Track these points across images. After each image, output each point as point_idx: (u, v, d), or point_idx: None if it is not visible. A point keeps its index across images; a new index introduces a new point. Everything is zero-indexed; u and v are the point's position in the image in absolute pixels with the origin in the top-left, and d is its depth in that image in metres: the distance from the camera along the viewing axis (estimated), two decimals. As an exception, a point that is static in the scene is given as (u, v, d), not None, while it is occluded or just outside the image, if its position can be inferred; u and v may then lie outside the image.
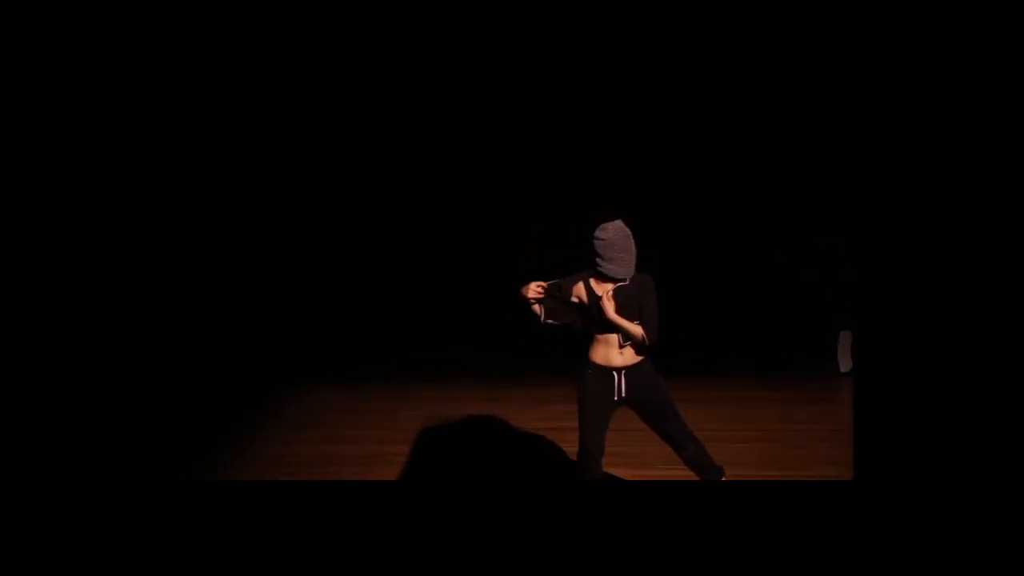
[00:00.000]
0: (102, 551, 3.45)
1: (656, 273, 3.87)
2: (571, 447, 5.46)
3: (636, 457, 5.29)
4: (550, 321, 3.97)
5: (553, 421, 6.04)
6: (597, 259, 3.79)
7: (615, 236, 3.75)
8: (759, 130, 8.67)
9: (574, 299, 3.92)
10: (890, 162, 3.58)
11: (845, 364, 8.00)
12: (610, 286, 3.84)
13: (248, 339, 8.19)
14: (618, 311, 3.80)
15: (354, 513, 3.48)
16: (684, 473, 4.29)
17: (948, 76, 3.52)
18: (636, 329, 3.85)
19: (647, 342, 3.88)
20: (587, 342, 3.98)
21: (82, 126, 5.85)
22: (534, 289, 3.93)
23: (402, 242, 9.04)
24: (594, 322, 3.90)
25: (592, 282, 3.89)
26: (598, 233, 3.78)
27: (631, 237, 3.79)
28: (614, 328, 3.85)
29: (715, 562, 3.31)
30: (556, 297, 3.94)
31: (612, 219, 3.84)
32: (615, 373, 3.91)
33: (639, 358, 3.95)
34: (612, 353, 3.90)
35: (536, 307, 3.95)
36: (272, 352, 8.12)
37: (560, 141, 8.73)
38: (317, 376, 7.61)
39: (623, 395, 3.93)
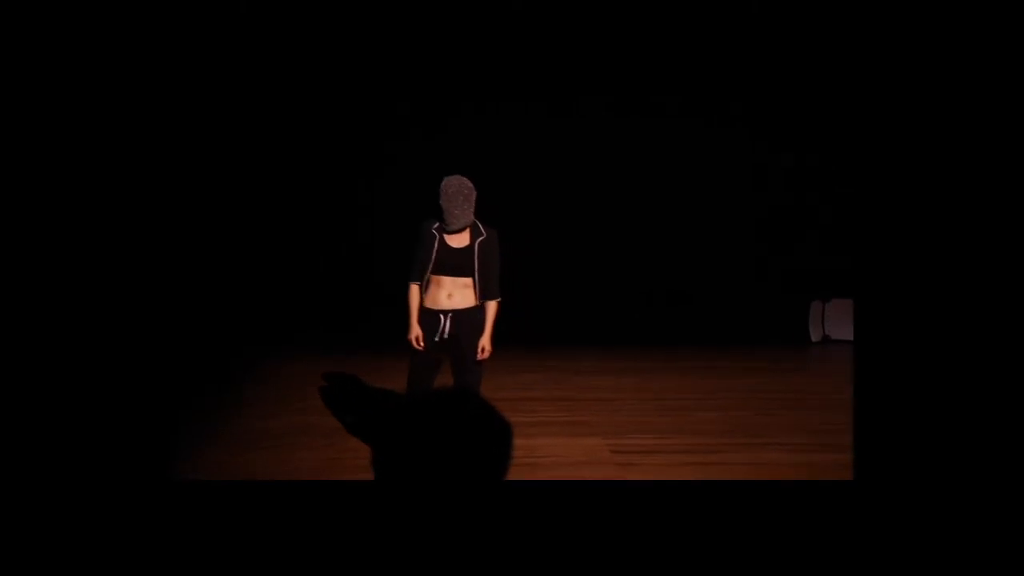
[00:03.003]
0: (77, 548, 3.41)
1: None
2: (535, 416, 5.70)
3: (611, 426, 5.49)
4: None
5: (520, 391, 6.39)
6: (442, 210, 4.17)
7: (448, 189, 4.16)
8: (739, 121, 9.06)
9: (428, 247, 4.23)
10: (892, 147, 3.53)
11: (815, 334, 8.26)
12: (464, 237, 4.21)
13: (234, 315, 8.26)
14: (469, 264, 4.19)
15: (323, 513, 3.42)
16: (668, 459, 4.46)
17: (940, 57, 3.42)
18: (492, 314, 4.24)
19: (493, 299, 4.25)
20: (421, 286, 4.27)
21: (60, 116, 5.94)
22: (416, 343, 4.28)
23: (394, 216, 9.19)
24: (437, 268, 4.21)
25: (443, 232, 4.22)
26: (441, 186, 4.18)
27: (468, 191, 4.17)
28: (445, 273, 4.18)
29: (711, 563, 3.28)
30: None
31: (456, 174, 4.23)
32: (441, 315, 4.18)
33: (471, 304, 4.21)
34: (441, 296, 4.19)
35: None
36: (257, 325, 8.24)
37: (535, 141, 9.06)
38: (306, 347, 7.74)
39: (446, 336, 4.18)
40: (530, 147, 8.97)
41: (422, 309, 4.22)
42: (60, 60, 5.68)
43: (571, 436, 5.28)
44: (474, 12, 8.16)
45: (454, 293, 4.19)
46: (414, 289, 4.27)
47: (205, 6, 7.35)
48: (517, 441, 4.46)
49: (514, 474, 1.46)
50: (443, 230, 4.20)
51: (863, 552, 3.19)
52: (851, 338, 9.03)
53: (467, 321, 4.21)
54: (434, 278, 4.19)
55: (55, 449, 4.42)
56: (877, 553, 3.19)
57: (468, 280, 4.20)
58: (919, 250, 3.44)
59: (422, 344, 4.23)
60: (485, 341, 4.24)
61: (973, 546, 3.11)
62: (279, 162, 8.85)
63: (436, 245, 4.18)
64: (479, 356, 4.25)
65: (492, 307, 4.27)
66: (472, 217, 4.21)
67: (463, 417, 1.44)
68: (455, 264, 4.18)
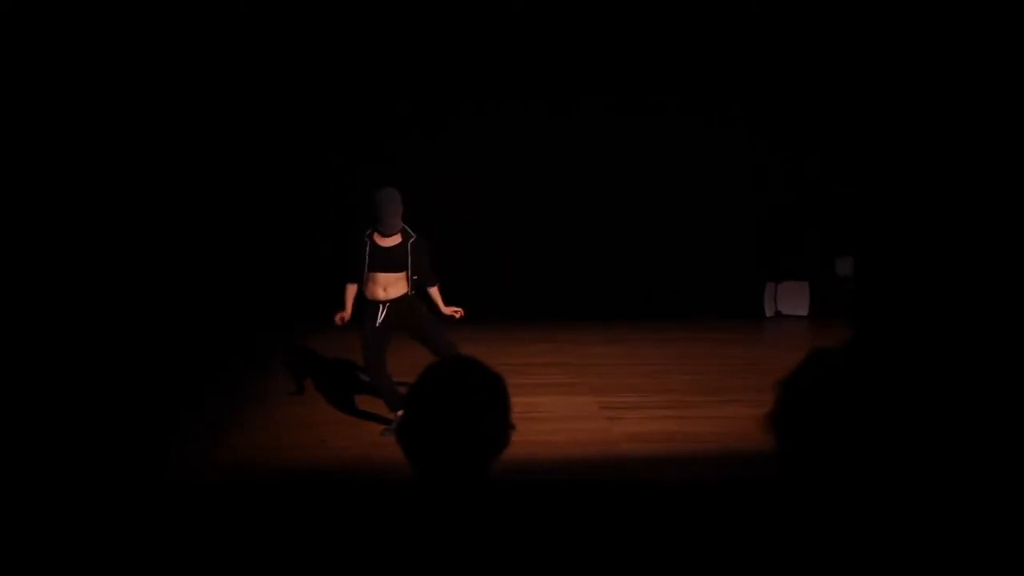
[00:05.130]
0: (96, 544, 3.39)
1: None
2: (537, 378, 6.42)
3: (602, 387, 6.26)
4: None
5: (526, 358, 7.09)
6: (373, 219, 4.95)
7: (383, 200, 4.91)
8: (739, 121, 9.15)
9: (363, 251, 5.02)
10: (891, 145, 3.66)
11: (769, 309, 9.33)
12: (394, 239, 5.00)
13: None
14: (401, 261, 5.04)
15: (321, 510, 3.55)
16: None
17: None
18: (439, 295, 5.20)
19: (435, 286, 5.18)
20: (363, 284, 5.07)
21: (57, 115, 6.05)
22: (339, 321, 5.19)
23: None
24: (373, 267, 5.02)
25: (375, 236, 5.01)
26: (376, 198, 4.93)
27: (398, 201, 4.95)
28: (379, 270, 5.02)
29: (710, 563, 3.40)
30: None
31: (389, 186, 5.01)
32: (380, 305, 5.04)
33: (403, 293, 5.06)
34: (379, 290, 5.03)
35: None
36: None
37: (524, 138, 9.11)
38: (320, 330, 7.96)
39: (386, 320, 5.03)
40: (530, 147, 8.93)
41: (365, 300, 5.12)
42: (63, 60, 5.90)
43: (567, 395, 6.00)
44: (474, 12, 8.18)
45: (388, 287, 5.08)
46: (350, 288, 5.19)
47: (205, 7, 7.41)
48: (521, 399, 5.29)
49: (518, 427, 1.56)
50: (374, 235, 5.04)
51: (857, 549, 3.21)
52: (798, 313, 10.00)
53: (404, 308, 5.10)
54: (371, 275, 5.07)
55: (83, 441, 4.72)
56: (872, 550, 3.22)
57: (401, 274, 5.08)
58: (916, 242, 3.53)
59: (345, 321, 5.16)
60: (451, 311, 5.17)
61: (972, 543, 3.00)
62: (282, 163, 8.71)
63: (368, 249, 5.05)
64: (457, 316, 5.20)
65: (436, 292, 5.20)
66: (401, 223, 5.07)
67: (468, 380, 1.53)
68: (387, 261, 5.05)
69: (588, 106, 9.06)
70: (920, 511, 2.78)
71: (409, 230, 5.07)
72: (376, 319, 5.03)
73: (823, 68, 7.98)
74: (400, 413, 4.99)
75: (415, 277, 5.07)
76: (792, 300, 9.27)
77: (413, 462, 1.50)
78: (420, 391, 1.52)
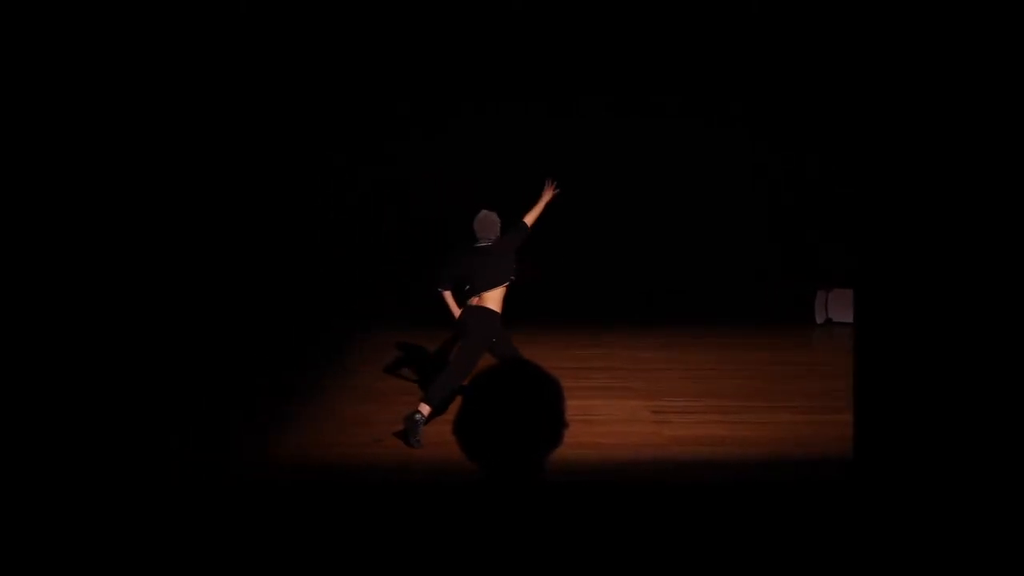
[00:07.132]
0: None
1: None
2: (590, 381, 6.49)
3: (652, 391, 6.35)
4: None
5: (577, 362, 7.17)
6: (477, 234, 5.17)
7: (487, 219, 5.20)
8: (739, 121, 9.27)
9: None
10: (891, 146, 3.53)
11: (820, 316, 9.31)
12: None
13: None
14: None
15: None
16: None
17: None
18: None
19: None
20: (496, 296, 5.16)
21: (81, 120, 6.11)
22: None
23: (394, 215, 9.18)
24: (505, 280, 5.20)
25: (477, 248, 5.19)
26: (478, 219, 5.19)
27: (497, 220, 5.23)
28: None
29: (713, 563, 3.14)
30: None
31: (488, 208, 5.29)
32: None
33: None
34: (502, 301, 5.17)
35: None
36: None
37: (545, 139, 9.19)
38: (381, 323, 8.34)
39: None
40: (530, 147, 8.90)
41: (496, 314, 5.16)
42: (63, 61, 5.79)
43: (619, 399, 6.07)
44: (474, 12, 8.20)
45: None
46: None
47: (206, 7, 7.42)
48: (575, 402, 5.35)
49: (573, 429, 1.61)
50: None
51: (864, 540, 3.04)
52: (850, 320, 10.03)
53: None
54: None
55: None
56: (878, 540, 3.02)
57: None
58: (915, 243, 3.46)
59: None
60: None
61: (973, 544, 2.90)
62: (282, 163, 8.72)
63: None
64: None
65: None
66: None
67: (525, 379, 1.57)
68: None
69: (588, 106, 9.09)
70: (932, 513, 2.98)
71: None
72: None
73: (823, 68, 7.89)
74: (426, 408, 5.01)
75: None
76: (844, 307, 9.22)
77: (470, 456, 1.54)
78: (478, 388, 1.56)
